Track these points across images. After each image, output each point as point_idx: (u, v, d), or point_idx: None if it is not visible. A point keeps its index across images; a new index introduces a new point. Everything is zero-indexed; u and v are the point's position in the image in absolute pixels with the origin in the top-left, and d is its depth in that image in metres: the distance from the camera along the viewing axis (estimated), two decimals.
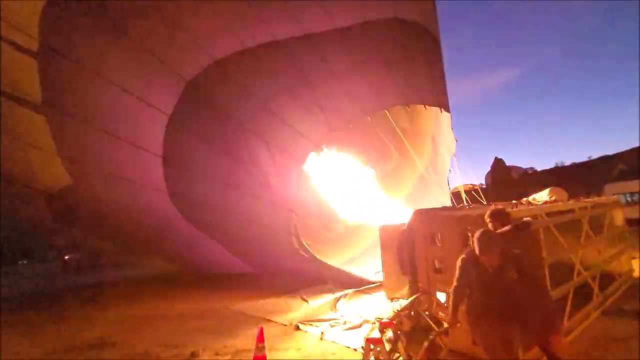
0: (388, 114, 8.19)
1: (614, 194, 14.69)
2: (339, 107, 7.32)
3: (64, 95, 6.08)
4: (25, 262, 24.41)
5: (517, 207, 4.10)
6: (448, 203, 9.85)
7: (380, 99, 7.84)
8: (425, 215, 4.21)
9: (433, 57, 9.11)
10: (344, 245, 10.16)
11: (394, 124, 8.67)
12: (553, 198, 5.08)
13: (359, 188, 8.80)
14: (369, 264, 8.52)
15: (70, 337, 5.64)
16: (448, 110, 9.05)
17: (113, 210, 7.67)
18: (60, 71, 5.82)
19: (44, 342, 5.48)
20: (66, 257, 23.15)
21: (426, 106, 8.38)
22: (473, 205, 5.09)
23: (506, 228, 2.99)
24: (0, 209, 7.84)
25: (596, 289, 4.82)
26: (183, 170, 6.85)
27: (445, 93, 9.20)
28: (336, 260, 8.43)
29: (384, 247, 5.28)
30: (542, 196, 5.19)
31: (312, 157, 7.36)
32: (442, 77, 9.29)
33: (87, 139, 6.49)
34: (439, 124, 10.04)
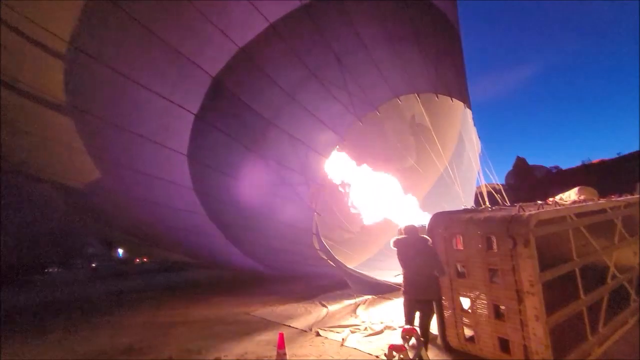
0: (418, 98, 7.79)
1: None
2: (368, 87, 7.01)
3: (89, 96, 6.11)
4: (55, 269, 25.42)
5: (542, 207, 3.94)
6: (472, 203, 9.57)
7: (411, 81, 7.51)
8: (446, 218, 4.12)
9: (457, 51, 8.91)
10: (361, 245, 10.03)
11: (425, 112, 8.33)
12: (582, 197, 4.85)
13: (375, 188, 8.62)
14: (387, 264, 8.37)
15: (100, 343, 5.83)
16: (470, 107, 8.82)
17: (139, 206, 7.79)
18: (86, 72, 5.83)
19: (74, 348, 5.68)
20: (94, 265, 24.06)
21: (453, 99, 8.03)
22: (495, 207, 4.93)
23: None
24: (24, 215, 8.21)
25: (633, 293, 4.55)
26: (207, 169, 6.81)
27: (467, 89, 8.99)
28: (354, 262, 8.28)
29: None
30: (571, 195, 4.97)
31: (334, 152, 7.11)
32: (465, 73, 9.09)
33: (113, 140, 6.53)
34: (465, 121, 9.78)
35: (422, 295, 3.87)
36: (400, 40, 7.38)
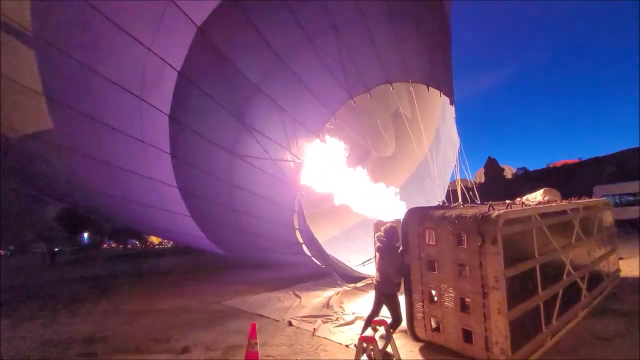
0: (411, 87, 7.54)
1: (602, 196, 15.00)
2: (363, 66, 6.62)
3: (55, 26, 5.34)
4: (7, 252, 23.87)
5: (510, 207, 4.12)
6: (443, 198, 9.83)
7: (406, 69, 7.20)
8: (420, 214, 4.22)
9: (449, 46, 8.81)
10: (329, 223, 9.91)
11: (410, 104, 8.05)
12: (547, 198, 5.13)
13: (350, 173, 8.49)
14: (350, 246, 8.46)
15: (61, 331, 5.56)
16: (453, 104, 8.90)
17: (88, 167, 6.99)
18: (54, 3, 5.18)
19: (33, 336, 5.39)
20: (55, 250, 22.89)
21: (441, 94, 7.91)
22: (466, 204, 5.11)
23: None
24: None
25: (584, 289, 4.90)
26: (188, 132, 6.18)
27: (452, 86, 9.03)
28: (319, 237, 8.16)
29: None
30: (536, 196, 5.24)
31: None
32: (452, 69, 9.15)
33: (80, 82, 5.74)
34: (444, 117, 9.87)
35: (380, 288, 4.22)
36: (401, 24, 7.09)
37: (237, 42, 5.79)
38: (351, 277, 7.56)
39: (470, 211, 3.79)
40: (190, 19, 5.34)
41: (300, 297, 6.80)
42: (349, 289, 7.28)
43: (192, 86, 5.77)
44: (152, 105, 5.84)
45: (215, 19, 5.45)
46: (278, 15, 5.88)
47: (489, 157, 40.32)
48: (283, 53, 5.99)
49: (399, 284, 4.20)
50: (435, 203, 9.03)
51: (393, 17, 6.98)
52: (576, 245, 4.86)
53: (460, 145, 9.25)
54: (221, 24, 5.53)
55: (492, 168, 37.25)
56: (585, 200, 5.78)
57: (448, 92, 8.24)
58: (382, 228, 4.39)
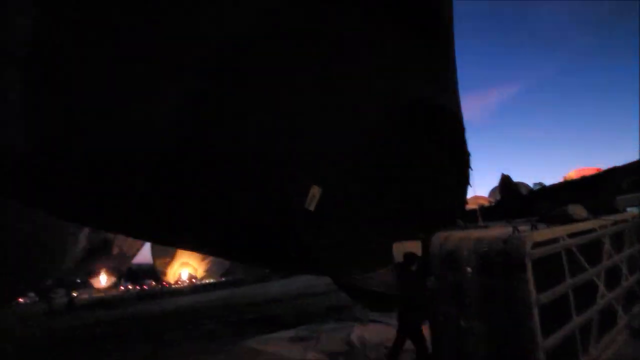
0: None
1: (626, 207, 14.35)
2: None
3: None
4: (28, 300, 23.53)
5: (535, 227, 3.96)
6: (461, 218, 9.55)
7: None
8: (441, 236, 4.09)
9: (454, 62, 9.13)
10: None
11: None
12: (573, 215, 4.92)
13: None
14: None
15: None
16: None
17: None
18: None
19: None
20: (74, 295, 22.65)
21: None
22: (489, 224, 4.94)
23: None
24: None
25: (620, 311, 4.57)
26: None
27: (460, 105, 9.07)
28: None
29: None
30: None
31: None
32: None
33: None
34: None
35: (403, 318, 4.06)
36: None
37: None
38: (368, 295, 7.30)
39: (494, 233, 3.66)
40: None
41: (319, 334, 6.54)
42: (370, 322, 6.98)
43: None
44: None
45: None
46: None
47: (503, 174, 39.51)
48: None
49: (423, 312, 3.98)
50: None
51: None
52: (608, 264, 4.60)
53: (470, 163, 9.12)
54: None
55: (507, 185, 36.46)
56: (614, 216, 5.52)
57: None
58: (402, 254, 4.28)
